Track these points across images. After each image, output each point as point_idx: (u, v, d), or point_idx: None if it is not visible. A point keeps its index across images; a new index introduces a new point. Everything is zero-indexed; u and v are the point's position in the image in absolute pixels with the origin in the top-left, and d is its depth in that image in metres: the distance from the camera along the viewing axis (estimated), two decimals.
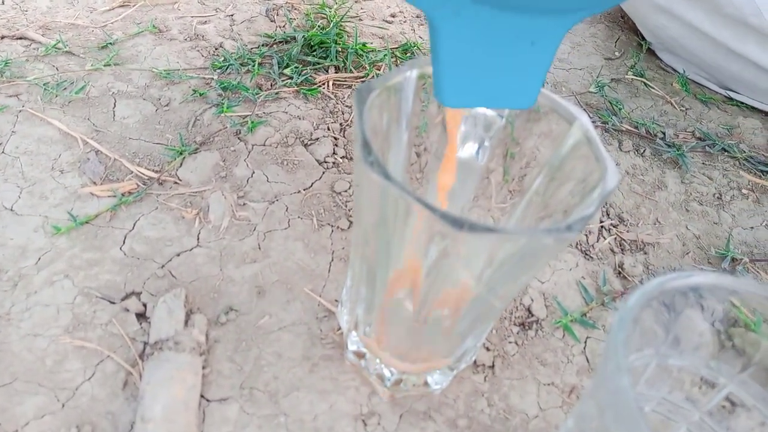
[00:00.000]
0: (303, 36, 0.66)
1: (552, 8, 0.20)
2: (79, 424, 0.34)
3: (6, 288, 0.40)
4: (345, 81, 0.64)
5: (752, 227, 0.56)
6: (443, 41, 0.21)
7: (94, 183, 0.49)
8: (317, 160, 0.54)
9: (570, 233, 0.24)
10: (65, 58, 0.61)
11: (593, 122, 0.65)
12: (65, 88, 0.57)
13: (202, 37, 0.68)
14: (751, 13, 0.62)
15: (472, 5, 0.20)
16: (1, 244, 0.43)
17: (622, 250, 0.51)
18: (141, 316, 0.40)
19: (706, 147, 0.65)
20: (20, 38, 0.63)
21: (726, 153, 0.65)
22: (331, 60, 0.65)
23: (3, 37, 0.63)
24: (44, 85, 0.57)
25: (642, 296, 0.24)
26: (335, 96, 0.62)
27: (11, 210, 0.46)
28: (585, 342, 0.43)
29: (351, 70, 0.65)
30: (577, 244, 0.50)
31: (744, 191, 0.60)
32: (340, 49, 0.67)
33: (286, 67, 0.63)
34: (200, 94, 0.59)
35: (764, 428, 0.26)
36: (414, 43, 0.71)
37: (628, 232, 0.53)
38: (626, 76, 0.75)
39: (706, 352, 0.30)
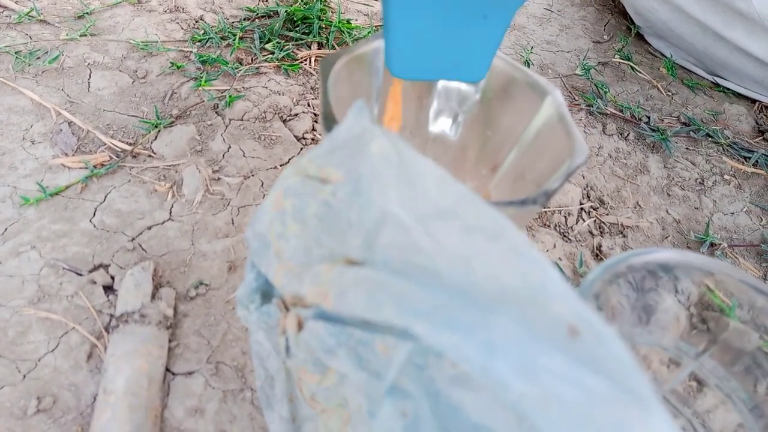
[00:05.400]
0: (286, 11, 0.65)
1: None
2: (40, 395, 0.33)
3: None
4: None
5: (733, 213, 0.56)
6: (394, 9, 0.20)
7: (66, 154, 0.48)
8: (296, 136, 0.53)
9: (534, 206, 0.23)
10: (39, 27, 0.60)
11: (578, 105, 0.64)
12: (38, 58, 0.56)
13: (182, 9, 0.67)
14: None
15: None
16: None
17: (601, 232, 0.51)
18: (108, 289, 0.39)
19: (691, 132, 0.64)
20: None
21: (710, 138, 0.64)
22: (314, 36, 0.64)
23: None
24: (16, 53, 0.55)
25: (604, 270, 0.23)
26: (316, 72, 0.61)
27: None
28: None
29: (333, 46, 0.64)
30: (555, 225, 0.50)
31: (726, 177, 0.60)
32: (323, 26, 0.65)
33: (267, 42, 0.62)
34: (178, 67, 0.57)
35: (726, 406, 0.26)
36: None
37: (608, 215, 0.52)
38: (613, 60, 0.74)
39: (675, 332, 0.30)
